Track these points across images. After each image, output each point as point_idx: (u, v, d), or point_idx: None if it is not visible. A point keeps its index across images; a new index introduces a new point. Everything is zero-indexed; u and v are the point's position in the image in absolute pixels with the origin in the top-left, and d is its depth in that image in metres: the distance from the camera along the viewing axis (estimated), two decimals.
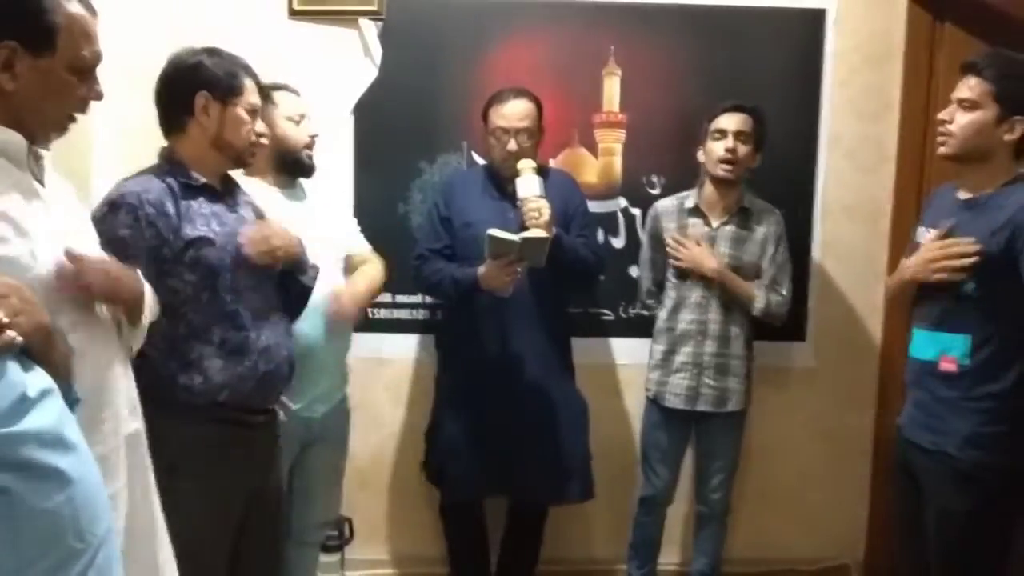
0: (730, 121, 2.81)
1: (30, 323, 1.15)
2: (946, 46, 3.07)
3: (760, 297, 2.88)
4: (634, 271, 3.21)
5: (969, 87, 2.16)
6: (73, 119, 1.57)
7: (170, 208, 1.95)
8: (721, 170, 2.83)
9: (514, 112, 2.77)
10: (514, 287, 2.71)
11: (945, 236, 2.19)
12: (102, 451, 1.48)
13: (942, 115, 2.22)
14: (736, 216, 2.90)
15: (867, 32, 3.16)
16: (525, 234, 2.58)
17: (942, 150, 2.23)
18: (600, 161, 3.21)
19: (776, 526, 3.35)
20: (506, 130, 2.76)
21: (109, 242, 1.86)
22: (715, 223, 2.91)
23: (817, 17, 3.16)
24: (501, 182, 2.84)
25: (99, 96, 1.57)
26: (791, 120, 3.19)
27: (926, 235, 2.29)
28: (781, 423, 3.31)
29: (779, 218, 2.96)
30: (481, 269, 2.68)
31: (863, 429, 3.32)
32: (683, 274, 2.91)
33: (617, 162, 3.21)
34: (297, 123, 2.53)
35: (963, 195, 2.24)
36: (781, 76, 3.20)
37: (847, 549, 3.39)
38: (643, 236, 3.08)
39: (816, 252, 3.25)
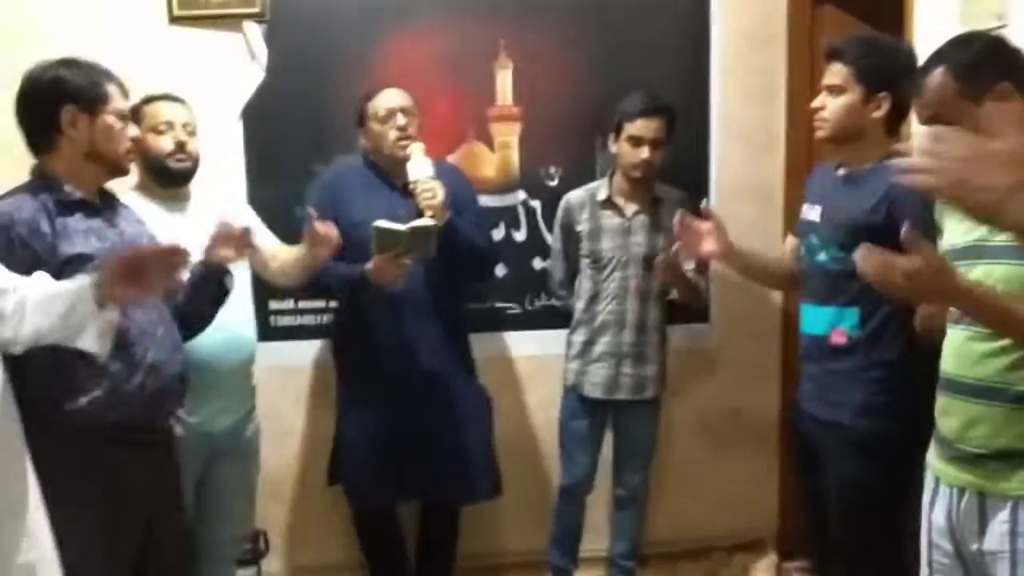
0: (646, 128, 2.81)
1: None
2: (826, 28, 3.15)
3: (703, 288, 3.03)
4: (538, 263, 3.22)
5: (833, 72, 2.25)
6: None
7: (45, 226, 1.88)
8: (637, 173, 2.86)
9: (394, 94, 2.78)
10: (407, 284, 2.66)
11: None
12: None
13: (815, 103, 2.30)
14: (649, 206, 2.94)
15: (750, 17, 3.22)
16: (412, 224, 2.55)
17: (819, 135, 2.32)
18: (497, 155, 3.20)
19: (691, 505, 3.40)
20: (392, 110, 2.74)
21: None
22: (628, 213, 2.93)
23: (702, 3, 3.21)
24: (387, 176, 2.80)
25: None
26: (683, 105, 3.20)
27: (811, 211, 2.35)
28: (689, 403, 3.37)
29: (688, 202, 2.99)
30: (369, 264, 2.62)
31: (769, 406, 3.39)
32: (599, 265, 2.93)
33: (514, 155, 3.21)
34: (161, 132, 2.46)
35: (842, 172, 2.31)
36: (671, 62, 3.24)
37: (762, 523, 3.46)
38: (554, 228, 3.07)
39: None
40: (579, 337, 2.99)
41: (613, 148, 2.91)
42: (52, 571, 1.63)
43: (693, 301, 3.07)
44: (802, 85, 3.15)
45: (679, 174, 3.16)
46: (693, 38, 3.23)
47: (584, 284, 2.98)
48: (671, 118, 2.86)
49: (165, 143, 2.46)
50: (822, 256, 2.30)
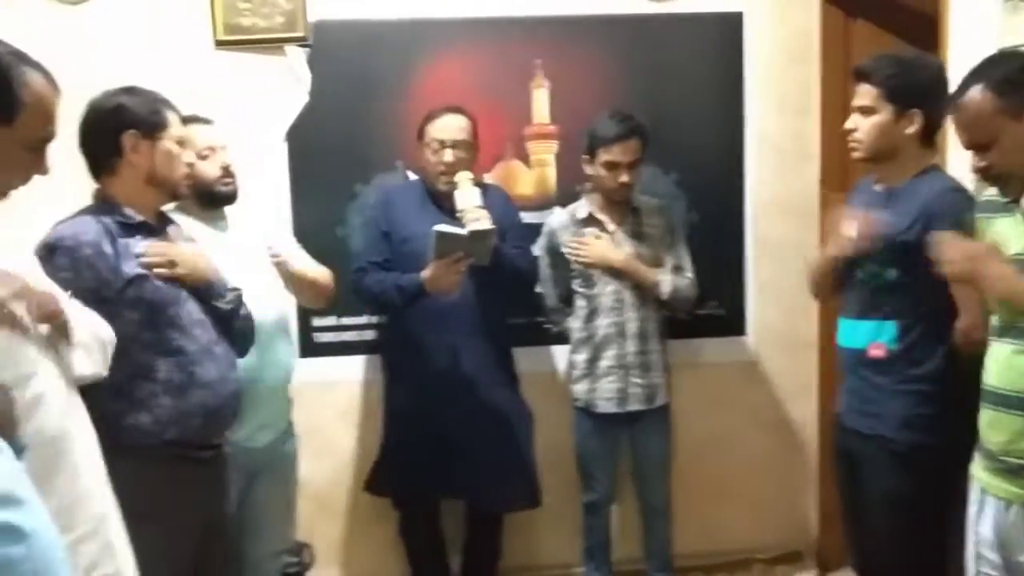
0: (623, 152, 2.85)
1: None
2: (859, 42, 3.17)
3: (665, 282, 2.96)
4: None
5: (862, 93, 2.27)
6: (15, 187, 1.56)
7: (108, 248, 1.96)
8: (617, 196, 2.92)
9: (450, 124, 2.83)
10: (456, 299, 2.73)
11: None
12: (57, 504, 1.46)
13: (847, 124, 2.32)
14: (629, 216, 2.98)
15: (784, 32, 3.26)
16: (472, 226, 2.61)
17: (854, 156, 2.34)
18: (534, 172, 3.26)
19: (729, 517, 3.42)
20: (442, 142, 2.80)
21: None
22: (611, 228, 2.97)
23: (735, 20, 3.25)
24: (438, 197, 2.86)
25: (45, 172, 1.57)
26: (718, 121, 3.28)
27: (849, 228, 2.37)
28: (726, 416, 3.39)
29: (668, 209, 3.07)
30: (426, 272, 2.69)
31: (807, 419, 3.41)
32: (590, 281, 2.97)
33: (551, 172, 3.26)
34: (206, 157, 2.46)
35: (879, 188, 2.33)
36: (705, 78, 3.28)
37: (800, 536, 3.47)
38: (541, 254, 3.09)
39: (750, 248, 3.33)
40: (582, 356, 3.01)
41: (589, 171, 2.94)
42: None
43: None
44: (836, 100, 3.16)
45: (714, 188, 3.23)
46: (727, 54, 3.26)
47: (579, 302, 3.02)
48: (645, 136, 2.89)
49: (212, 168, 2.47)
50: (859, 272, 2.32)
